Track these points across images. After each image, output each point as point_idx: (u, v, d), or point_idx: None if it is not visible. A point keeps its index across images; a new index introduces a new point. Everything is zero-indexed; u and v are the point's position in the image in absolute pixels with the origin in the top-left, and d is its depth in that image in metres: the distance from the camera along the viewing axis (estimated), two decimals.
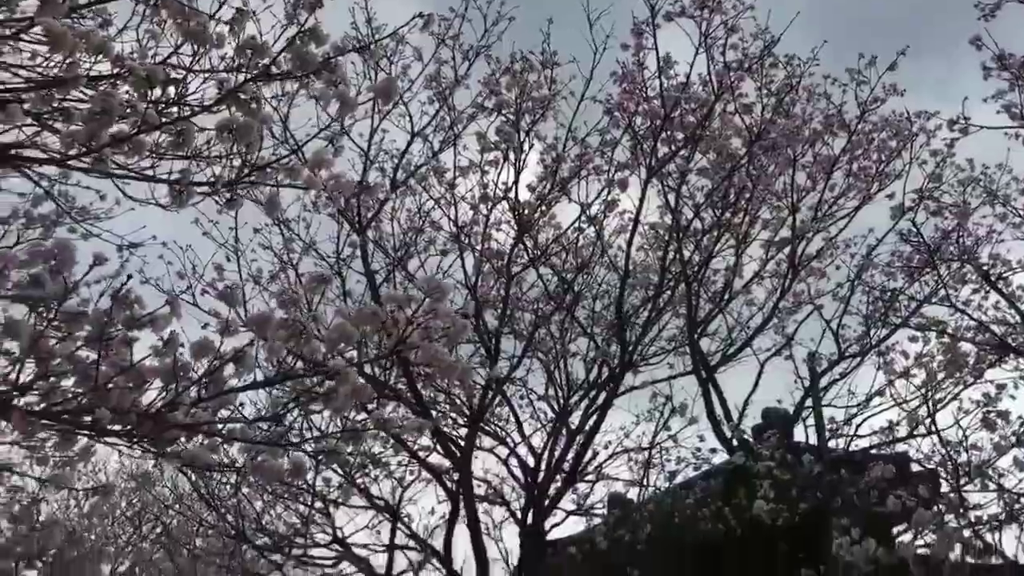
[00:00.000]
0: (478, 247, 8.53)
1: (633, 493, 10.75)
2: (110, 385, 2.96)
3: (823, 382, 8.66)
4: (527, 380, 9.07)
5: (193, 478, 9.64)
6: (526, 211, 8.25)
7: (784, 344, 8.98)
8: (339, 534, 10.28)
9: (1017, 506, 6.01)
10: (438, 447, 8.24)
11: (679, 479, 10.47)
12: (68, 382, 2.86)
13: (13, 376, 2.91)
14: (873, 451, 8.81)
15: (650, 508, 11.01)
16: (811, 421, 8.76)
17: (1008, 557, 5.41)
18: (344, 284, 8.61)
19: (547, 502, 9.33)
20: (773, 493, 7.02)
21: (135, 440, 3.32)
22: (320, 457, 3.52)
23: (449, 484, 8.78)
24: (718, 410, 8.55)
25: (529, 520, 8.92)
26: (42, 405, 2.83)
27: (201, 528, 11.26)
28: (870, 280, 9.21)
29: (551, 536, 12.05)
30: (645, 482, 10.39)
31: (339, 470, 9.47)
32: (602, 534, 9.21)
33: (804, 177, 8.87)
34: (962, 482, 6.47)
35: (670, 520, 9.70)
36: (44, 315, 2.85)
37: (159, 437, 3.29)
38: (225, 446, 3.58)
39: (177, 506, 11.92)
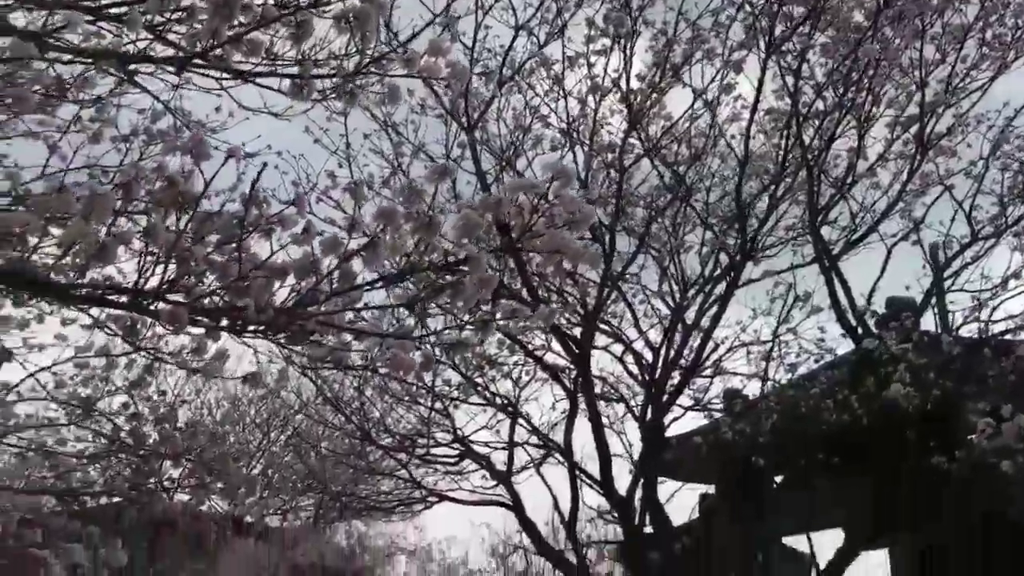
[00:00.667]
0: (587, 142, 8.34)
1: (752, 388, 10.67)
2: (247, 282, 3.02)
3: (954, 266, 8.25)
4: (640, 277, 8.93)
5: (319, 382, 9.97)
6: (637, 100, 7.98)
7: (912, 229, 8.55)
8: (460, 433, 10.56)
9: None
10: (554, 346, 8.27)
11: (801, 371, 10.32)
12: (208, 280, 2.92)
13: (156, 279, 3.00)
14: (1009, 337, 8.43)
15: (772, 401, 10.93)
16: (942, 308, 8.43)
17: None
18: (455, 186, 8.60)
19: (665, 398, 9.33)
20: (908, 376, 6.76)
21: (273, 335, 3.40)
22: (449, 347, 3.55)
23: (567, 383, 8.84)
24: (842, 300, 8.27)
25: (648, 416, 8.94)
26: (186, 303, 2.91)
27: (327, 430, 11.73)
28: (1006, 157, 8.62)
29: (669, 432, 12.11)
30: (765, 375, 10.27)
31: (460, 368, 9.70)
32: (726, 425, 9.15)
33: (933, 49, 8.27)
34: None
35: (795, 411, 9.59)
36: (179, 216, 2.91)
37: (295, 332, 3.37)
38: (354, 343, 3.65)
39: (304, 410, 12.42)
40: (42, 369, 5.07)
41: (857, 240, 8.53)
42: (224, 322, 3.22)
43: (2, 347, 4.36)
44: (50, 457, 5.60)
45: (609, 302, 8.23)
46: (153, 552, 19.95)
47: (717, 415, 11.77)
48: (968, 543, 9.84)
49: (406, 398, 10.67)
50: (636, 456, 8.31)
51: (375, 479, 11.85)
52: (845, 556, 8.12)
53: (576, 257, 3.27)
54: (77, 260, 2.50)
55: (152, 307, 2.59)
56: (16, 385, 5.18)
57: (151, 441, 6.30)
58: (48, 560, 5.08)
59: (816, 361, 10.18)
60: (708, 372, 10.49)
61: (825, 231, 8.74)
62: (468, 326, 3.53)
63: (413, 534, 36.95)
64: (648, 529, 8.64)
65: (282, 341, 3.61)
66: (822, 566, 8.82)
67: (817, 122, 8.20)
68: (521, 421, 10.11)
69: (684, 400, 10.24)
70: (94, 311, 4.04)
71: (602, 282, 7.54)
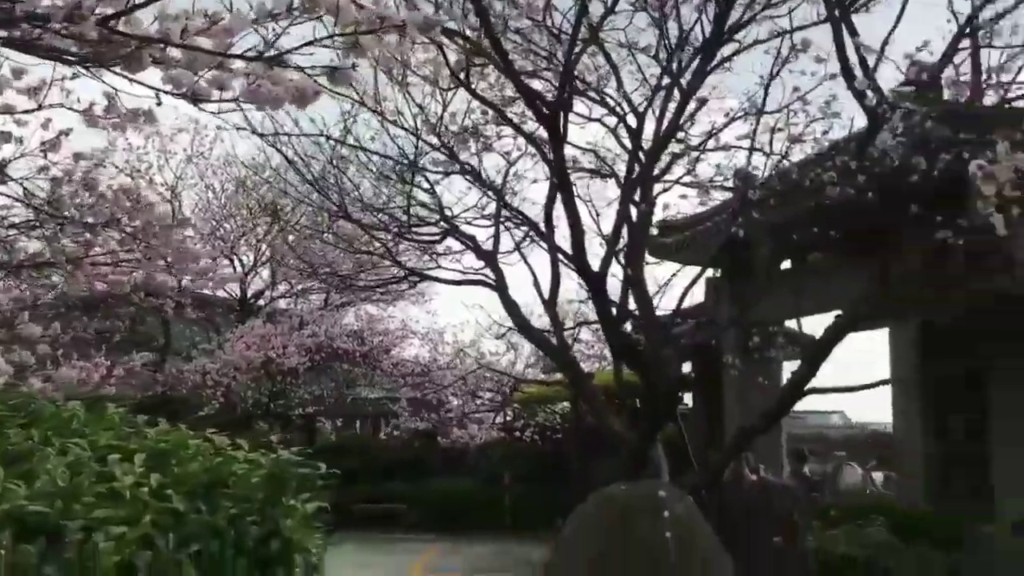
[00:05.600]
0: None
1: (757, 162, 9.98)
2: None
3: (987, 14, 7.23)
4: (626, 34, 7.94)
5: (284, 150, 9.32)
6: None
7: None
8: (446, 212, 10.07)
9: None
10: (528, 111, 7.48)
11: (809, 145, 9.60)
12: None
13: None
14: None
15: (776, 180, 10.30)
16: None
17: None
18: None
19: (656, 172, 8.68)
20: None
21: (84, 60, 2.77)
22: (326, 74, 2.89)
23: (548, 154, 8.15)
24: (853, 58, 7.36)
25: (638, 192, 8.31)
26: None
27: (302, 205, 11.19)
28: None
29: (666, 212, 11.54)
30: (771, 150, 9.54)
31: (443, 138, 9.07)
32: (737, 207, 8.55)
33: None
34: None
35: (800, 188, 8.92)
36: None
37: (105, 51, 2.74)
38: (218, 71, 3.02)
39: (272, 180, 11.80)
40: None
41: None
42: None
43: None
44: None
45: (584, 52, 7.22)
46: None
47: (719, 196, 11.18)
48: (972, 319, 9.54)
49: (390, 173, 10.13)
50: (620, 232, 7.70)
51: (356, 257, 11.39)
52: (839, 331, 7.72)
53: None
54: None
55: None
56: None
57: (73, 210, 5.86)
58: None
59: (824, 132, 9.46)
60: (711, 145, 9.81)
61: None
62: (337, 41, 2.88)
63: (425, 318, 37.83)
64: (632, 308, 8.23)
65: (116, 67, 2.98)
66: None
67: None
68: (507, 199, 9.58)
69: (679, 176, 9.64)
70: None
71: (574, 31, 6.63)
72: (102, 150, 6.06)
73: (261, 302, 23.13)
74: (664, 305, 9.85)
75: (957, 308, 9.15)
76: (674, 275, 11.02)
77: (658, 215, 15.36)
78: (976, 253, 8.56)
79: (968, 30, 7.16)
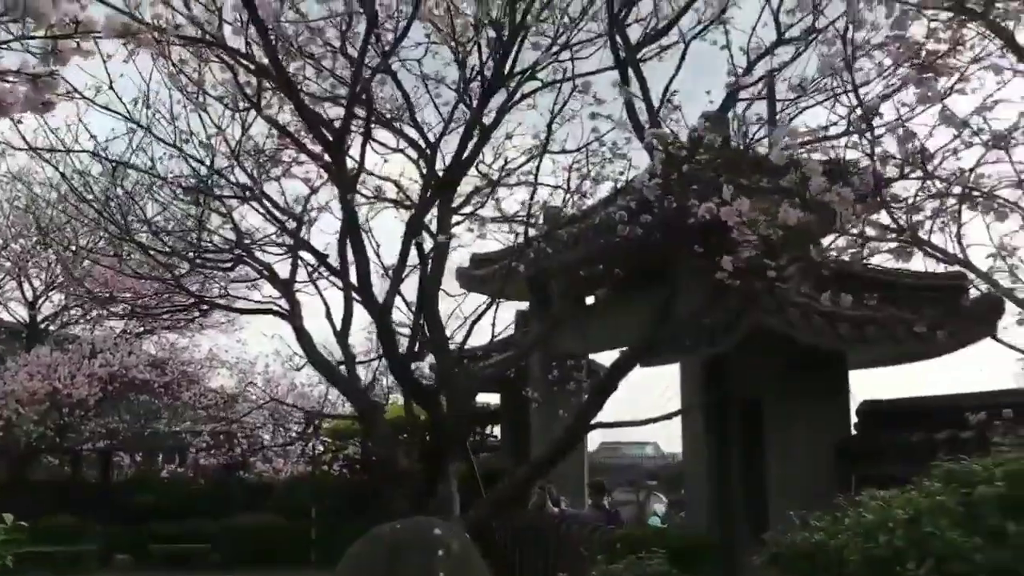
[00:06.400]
0: None
1: (556, 200, 10.20)
2: None
3: (756, 72, 7.68)
4: (422, 64, 7.88)
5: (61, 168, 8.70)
6: None
7: (711, 22, 7.77)
8: (243, 237, 9.66)
9: None
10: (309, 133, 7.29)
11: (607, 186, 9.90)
12: None
13: None
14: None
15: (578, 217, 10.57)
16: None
17: None
18: None
19: (456, 204, 8.70)
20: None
21: None
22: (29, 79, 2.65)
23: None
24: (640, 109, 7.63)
25: (433, 224, 8.26)
26: None
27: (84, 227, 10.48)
28: None
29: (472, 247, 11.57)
30: (571, 189, 9.79)
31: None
32: (540, 242, 8.63)
33: None
34: None
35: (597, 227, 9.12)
36: None
37: None
38: None
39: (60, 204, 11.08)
40: None
41: (657, 34, 7.76)
42: None
43: None
44: None
45: (373, 80, 7.08)
46: None
47: (521, 230, 11.33)
48: (749, 354, 10.08)
49: (186, 196, 9.63)
50: (404, 263, 7.59)
51: (140, 282, 10.72)
52: (623, 365, 7.94)
53: None
54: None
55: None
56: None
57: None
58: None
59: (621, 173, 9.78)
60: (512, 180, 9.95)
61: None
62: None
63: (235, 347, 36.36)
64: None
65: None
66: None
67: None
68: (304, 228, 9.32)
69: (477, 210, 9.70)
70: None
71: (361, 55, 6.48)
72: None
73: (52, 327, 21.56)
74: (477, 339, 9.83)
75: (730, 343, 9.64)
76: (487, 308, 10.91)
77: (472, 247, 15.51)
78: (751, 293, 9.09)
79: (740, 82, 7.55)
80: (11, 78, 2.70)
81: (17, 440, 18.07)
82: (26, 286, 21.32)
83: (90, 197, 9.06)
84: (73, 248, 10.70)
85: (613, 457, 27.74)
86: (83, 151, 8.28)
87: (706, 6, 7.41)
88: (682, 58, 7.54)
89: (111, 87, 6.85)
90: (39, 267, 20.50)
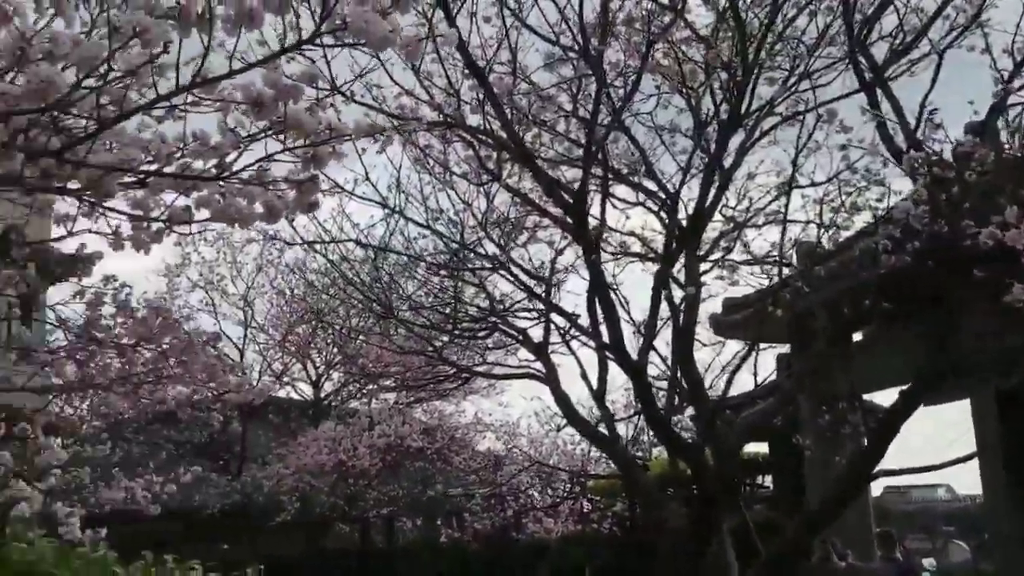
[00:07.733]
0: None
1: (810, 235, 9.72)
2: None
3: None
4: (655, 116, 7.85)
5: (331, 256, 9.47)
6: None
7: (965, 27, 7.13)
8: (496, 306, 10.00)
9: None
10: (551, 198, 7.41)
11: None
12: None
13: None
14: None
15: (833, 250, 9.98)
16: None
17: None
18: None
19: (702, 252, 8.51)
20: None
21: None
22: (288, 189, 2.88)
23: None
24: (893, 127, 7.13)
25: (682, 274, 8.12)
26: None
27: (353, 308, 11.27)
28: None
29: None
30: (823, 223, 9.29)
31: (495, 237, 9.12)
32: (799, 281, 8.25)
33: None
34: None
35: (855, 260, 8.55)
36: None
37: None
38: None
39: (331, 289, 12.02)
40: None
41: (905, 49, 7.24)
42: None
43: None
44: None
45: (607, 138, 7.11)
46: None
47: (774, 271, 10.86)
48: None
49: (440, 272, 10.17)
50: (656, 318, 7.47)
51: (406, 356, 11.36)
52: (905, 406, 7.30)
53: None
54: None
55: None
56: None
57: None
58: None
59: (879, 200, 9.18)
60: (759, 220, 9.62)
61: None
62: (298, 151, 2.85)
63: (498, 411, 37.47)
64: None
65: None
66: None
67: None
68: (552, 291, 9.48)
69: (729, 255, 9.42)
70: None
71: (593, 115, 6.55)
72: (176, 266, 6.24)
73: (334, 403, 23.31)
74: (739, 387, 9.52)
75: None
76: (746, 355, 10.41)
77: (724, 294, 15.07)
78: None
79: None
80: (282, 185, 2.93)
81: (312, 512, 19.56)
82: (309, 366, 23.20)
83: (356, 281, 9.77)
84: (346, 329, 11.62)
85: (901, 502, 25.55)
86: (347, 240, 8.99)
87: (957, 12, 6.84)
88: (937, 69, 6.97)
89: (367, 178, 7.39)
90: (318, 348, 22.29)
